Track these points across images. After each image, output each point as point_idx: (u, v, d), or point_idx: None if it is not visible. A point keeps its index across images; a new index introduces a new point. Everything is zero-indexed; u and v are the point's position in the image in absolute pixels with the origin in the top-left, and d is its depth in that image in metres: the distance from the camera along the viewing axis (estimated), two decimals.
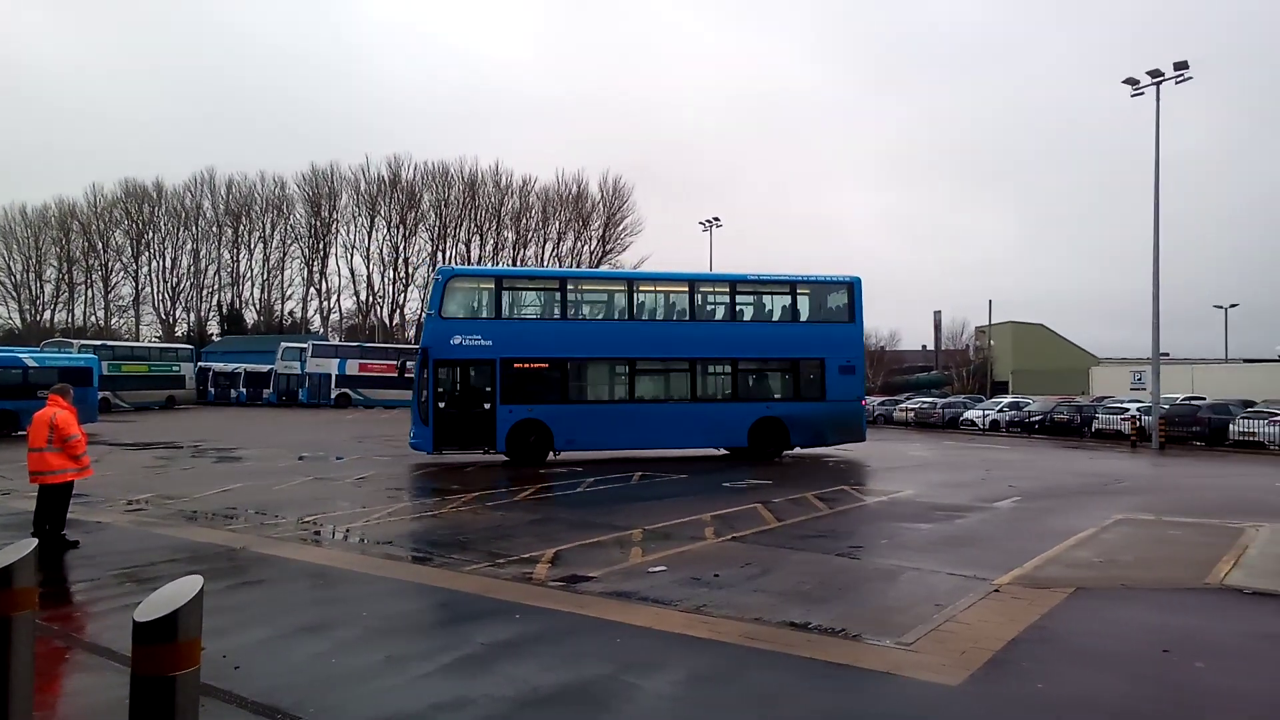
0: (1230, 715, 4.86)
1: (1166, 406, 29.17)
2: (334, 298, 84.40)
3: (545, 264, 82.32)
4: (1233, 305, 59.76)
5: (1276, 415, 27.16)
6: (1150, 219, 28.00)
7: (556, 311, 20.77)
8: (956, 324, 78.16)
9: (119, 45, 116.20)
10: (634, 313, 21.10)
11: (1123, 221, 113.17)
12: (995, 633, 6.22)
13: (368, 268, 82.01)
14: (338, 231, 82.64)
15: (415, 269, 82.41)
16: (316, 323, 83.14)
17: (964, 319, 77.79)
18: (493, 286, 20.80)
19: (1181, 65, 26.80)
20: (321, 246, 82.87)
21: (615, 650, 5.86)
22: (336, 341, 66.82)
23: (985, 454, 24.06)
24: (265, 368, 54.15)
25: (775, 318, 21.93)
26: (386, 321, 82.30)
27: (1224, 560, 8.61)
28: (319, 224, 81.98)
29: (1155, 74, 27.21)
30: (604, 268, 78.36)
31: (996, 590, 7.54)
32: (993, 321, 64.99)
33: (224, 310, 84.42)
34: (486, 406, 19.54)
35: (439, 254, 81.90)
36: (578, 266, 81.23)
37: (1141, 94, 27.66)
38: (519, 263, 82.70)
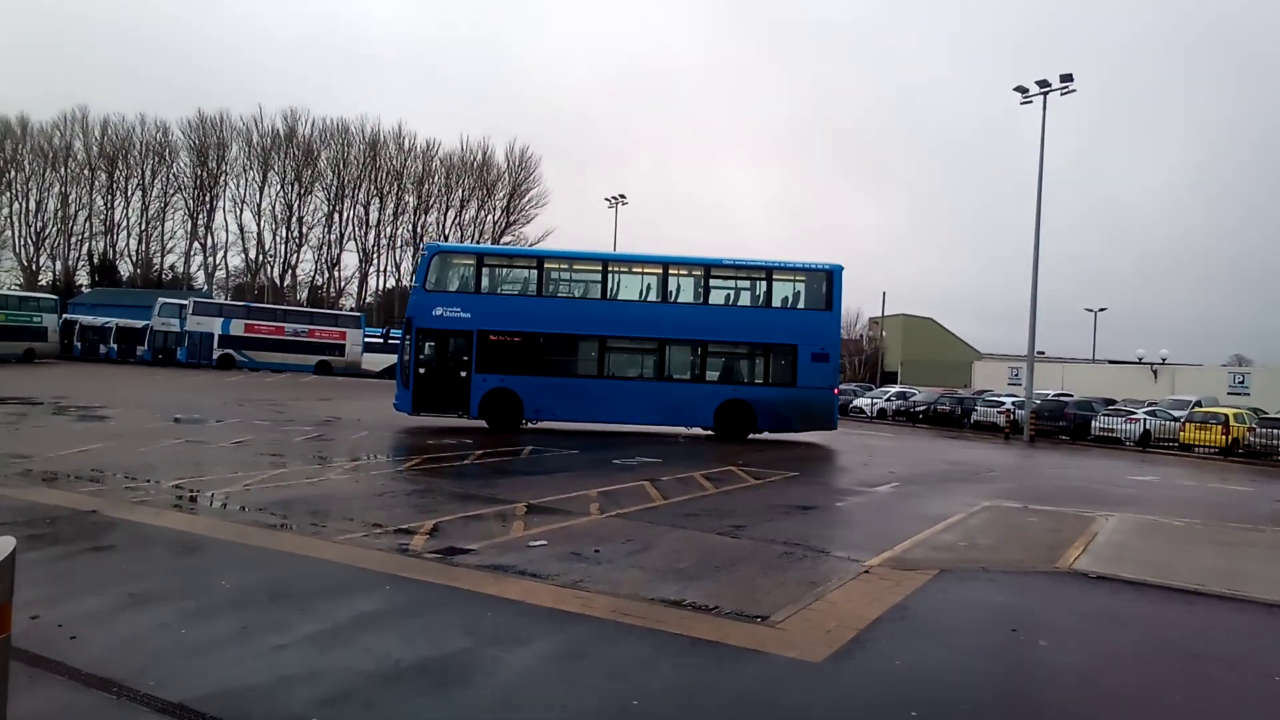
0: (1059, 688, 5.13)
1: (1039, 402, 30.87)
2: (220, 254, 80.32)
3: (447, 230, 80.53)
4: (1101, 309, 63.64)
5: (1134, 414, 29.15)
6: (1032, 222, 29.45)
7: (532, 289, 21.76)
8: (850, 313, 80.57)
9: None
10: (606, 292, 21.79)
11: (1007, 224, 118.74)
12: (860, 612, 6.41)
13: (258, 224, 78.37)
14: (226, 184, 78.48)
15: (310, 229, 79.30)
16: (200, 279, 78.95)
17: (858, 309, 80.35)
18: (474, 262, 22.02)
19: (1067, 77, 28.19)
20: (208, 199, 78.60)
21: (483, 624, 5.75)
22: (222, 300, 63.58)
23: (870, 441, 24.92)
24: (140, 323, 50.95)
25: (749, 302, 22.05)
26: (277, 281, 78.92)
27: (1075, 546, 9.14)
28: (205, 175, 77.56)
29: (1043, 83, 28.54)
30: (506, 239, 77.31)
31: (866, 571, 7.78)
32: (885, 313, 67.36)
33: (95, 260, 79.05)
34: (463, 374, 20.93)
35: (336, 214, 79.06)
36: (480, 236, 79.85)
37: (1030, 102, 28.95)
38: (419, 228, 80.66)
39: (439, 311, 20.98)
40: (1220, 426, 26.31)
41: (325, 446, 16.00)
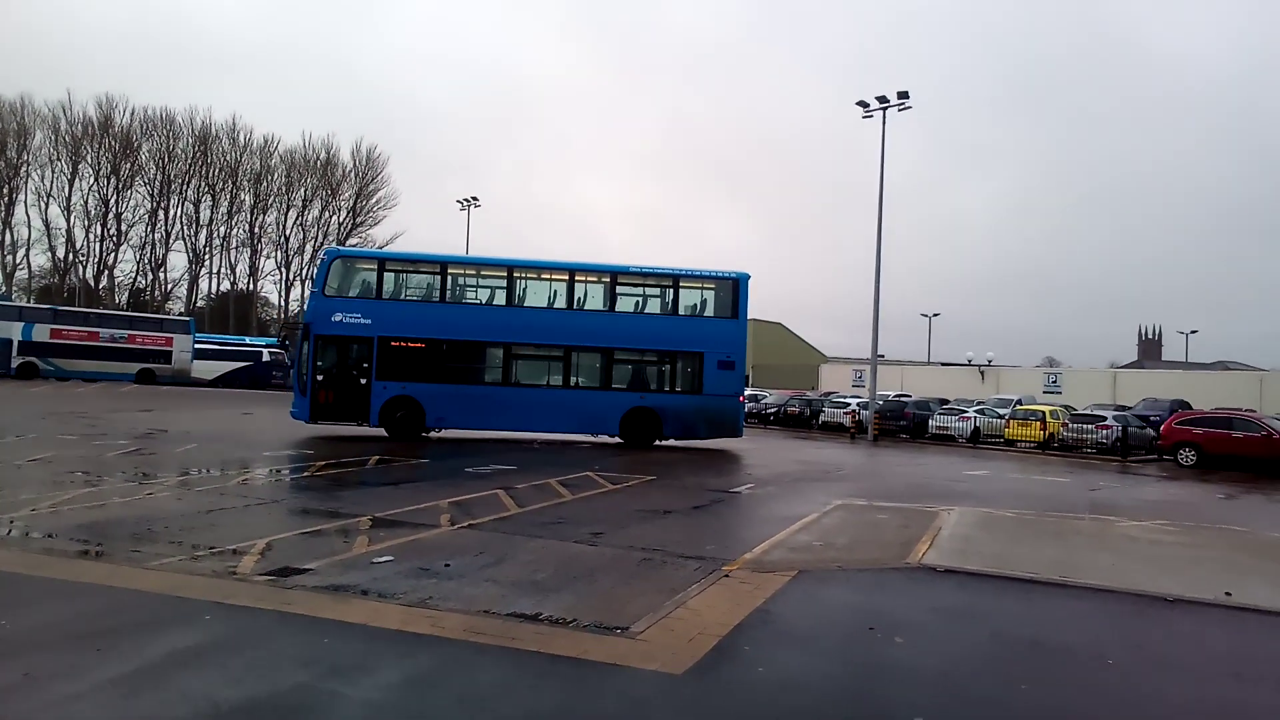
0: (917, 686, 5.15)
1: (881, 403, 32.42)
2: (21, 252, 72.49)
3: (288, 231, 76.33)
4: (935, 315, 67.89)
5: (966, 412, 31.10)
6: (874, 233, 30.92)
7: (436, 294, 21.39)
8: None
9: None
10: (511, 298, 21.46)
11: (852, 235, 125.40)
12: (722, 618, 6.27)
13: (68, 221, 71.11)
14: (29, 175, 70.83)
15: (130, 226, 72.85)
16: None
17: None
18: (375, 267, 21.77)
19: (904, 95, 29.83)
20: (7, 192, 70.69)
21: (320, 653, 5.19)
22: (22, 303, 57.43)
23: (725, 443, 25.30)
24: None
25: (656, 310, 21.81)
26: (92, 283, 72.16)
27: (922, 541, 9.44)
28: (4, 165, 69.77)
29: (882, 99, 30.05)
30: (352, 242, 74.04)
31: (727, 575, 7.69)
32: None
33: None
34: (363, 382, 20.46)
35: (161, 211, 73.06)
36: (324, 237, 76.16)
37: (871, 116, 30.42)
38: (257, 228, 75.98)
39: (338, 317, 20.50)
40: (1038, 423, 28.47)
41: (144, 462, 14.53)
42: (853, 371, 51.97)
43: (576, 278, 21.85)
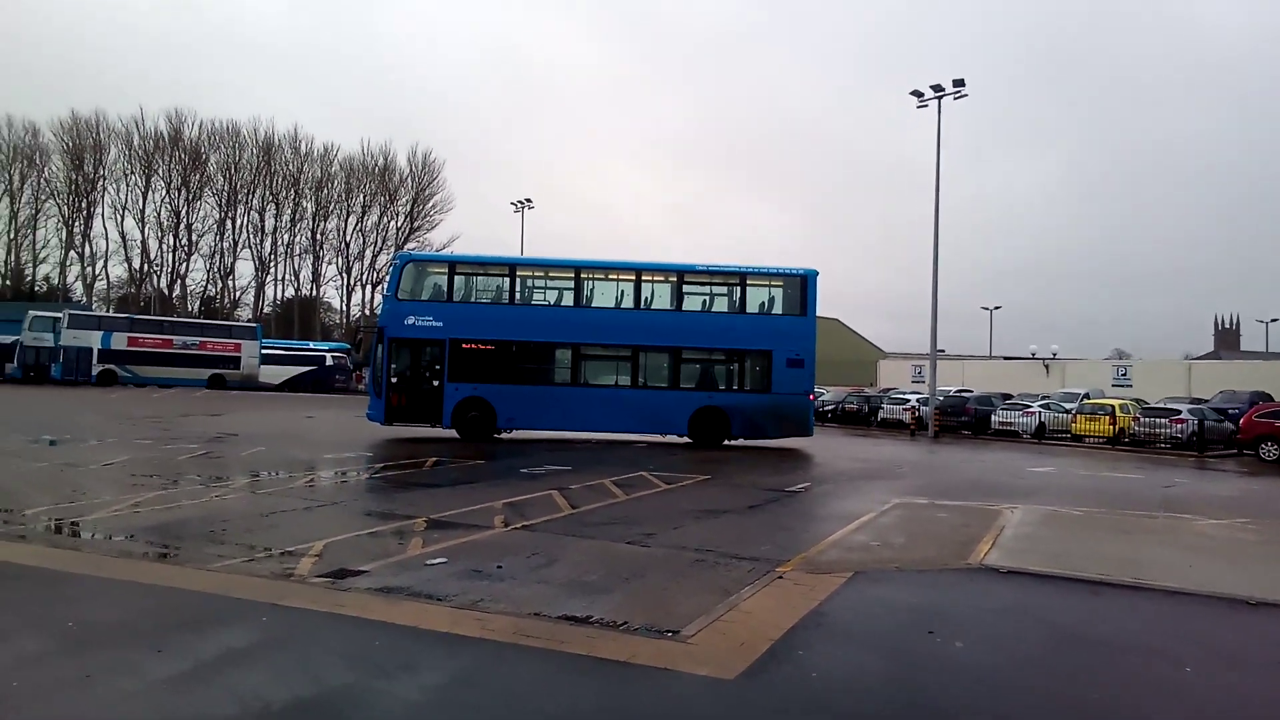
0: (978, 691, 4.96)
1: (941, 399, 31.72)
2: (100, 264, 75.58)
3: (348, 238, 78.06)
4: (997, 307, 66.37)
5: (1030, 407, 30.24)
6: (927, 221, 30.25)
7: (505, 296, 21.66)
8: None
9: None
10: (578, 299, 21.59)
11: (909, 226, 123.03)
12: (775, 621, 6.14)
13: (143, 232, 73.99)
14: (105, 189, 73.83)
15: (200, 236, 75.43)
16: (79, 291, 74.17)
17: None
18: (445, 271, 22.08)
19: (959, 82, 29.11)
20: (85, 205, 73.77)
21: (368, 654, 5.22)
22: (102, 312, 59.85)
23: (782, 441, 25.01)
24: (9, 339, 47.42)
25: (722, 308, 21.74)
26: (165, 292, 74.86)
27: (984, 541, 9.15)
28: (81, 179, 72.73)
29: (937, 88, 29.37)
30: (411, 245, 75.36)
31: (780, 576, 7.55)
32: None
33: None
34: (435, 384, 20.72)
35: (228, 221, 75.46)
36: (383, 242, 77.72)
37: (925, 105, 29.76)
38: (319, 235, 77.87)
39: (411, 320, 20.80)
40: (1107, 417, 27.52)
41: (212, 465, 14.95)
42: (912, 367, 50.97)
43: (643, 277, 21.84)
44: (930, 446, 25.77)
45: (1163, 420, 26.30)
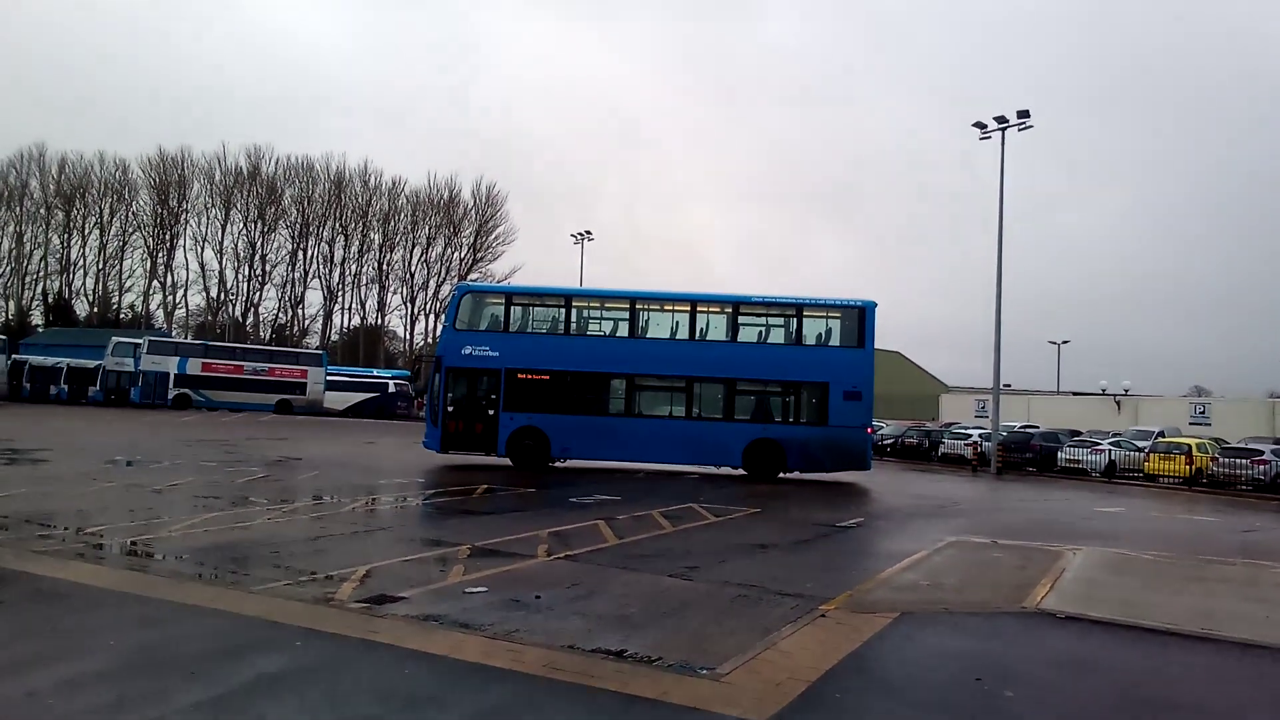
0: None
1: (1005, 434, 30.78)
2: (181, 292, 78.75)
3: (413, 268, 79.80)
4: (1065, 341, 64.32)
5: (1099, 445, 29.12)
6: (992, 254, 29.57)
7: (560, 327, 21.74)
8: None
9: None
10: (633, 330, 21.66)
11: (972, 259, 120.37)
12: (814, 662, 5.93)
13: (220, 263, 76.98)
14: (187, 222, 77.14)
15: (273, 266, 78.05)
16: (160, 318, 77.30)
17: None
18: (502, 301, 22.55)
19: (1024, 114, 28.53)
20: (168, 237, 77.15)
21: (397, 684, 5.19)
22: (180, 339, 62.21)
23: (836, 475, 24.52)
24: (93, 363, 49.51)
25: (778, 340, 21.56)
26: (240, 320, 77.51)
27: (1041, 584, 8.75)
28: (166, 213, 76.20)
29: (1001, 120, 28.83)
30: (473, 276, 76.68)
31: (823, 615, 7.32)
32: None
33: (50, 300, 77.11)
34: (491, 413, 20.89)
35: (300, 252, 77.95)
36: (447, 273, 79.23)
37: (989, 137, 29.23)
38: (385, 265, 79.82)
39: (468, 350, 21.11)
40: (1183, 456, 26.29)
41: (270, 488, 15.27)
42: (975, 401, 49.64)
43: (698, 308, 21.69)
44: (992, 484, 24.96)
45: (1243, 460, 25.01)
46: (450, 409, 20.96)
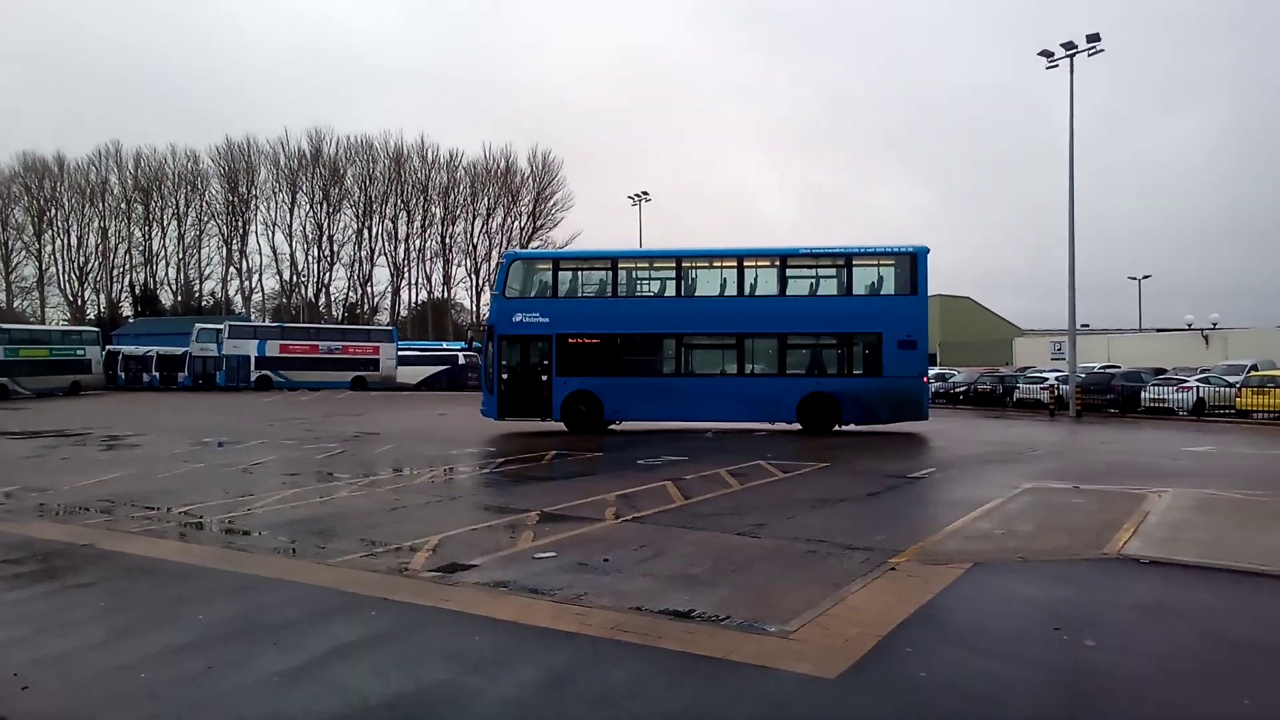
0: (1110, 696, 4.55)
1: (1084, 376, 29.74)
2: (255, 277, 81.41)
3: (475, 240, 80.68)
4: (1145, 277, 61.60)
5: (1186, 382, 27.91)
6: (1063, 189, 28.34)
7: (608, 290, 21.76)
8: None
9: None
10: (681, 289, 21.55)
11: (1041, 195, 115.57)
12: (884, 616, 5.85)
13: (290, 245, 79.21)
14: (257, 208, 79.48)
15: (340, 246, 79.91)
16: (239, 303, 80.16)
17: None
18: (550, 267, 22.50)
19: (1094, 37, 27.00)
20: (240, 224, 79.67)
21: (468, 649, 5.31)
22: (258, 322, 64.36)
23: (908, 425, 24.10)
24: (180, 350, 51.70)
25: (830, 291, 21.23)
26: (312, 300, 79.74)
27: (1124, 528, 8.45)
28: (236, 200, 78.62)
29: (1069, 46, 27.36)
30: (534, 244, 77.14)
31: (893, 568, 7.21)
32: None
33: (137, 291, 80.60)
34: (544, 378, 21.16)
35: (364, 231, 79.54)
36: (507, 243, 79.82)
37: (1056, 65, 27.84)
38: (447, 239, 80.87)
39: (519, 318, 21.27)
40: (1278, 390, 25.01)
41: (346, 463, 15.76)
42: (1050, 344, 48.09)
43: (745, 263, 21.41)
44: (1070, 427, 24.17)
45: None
46: (504, 376, 21.24)
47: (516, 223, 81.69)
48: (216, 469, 14.91)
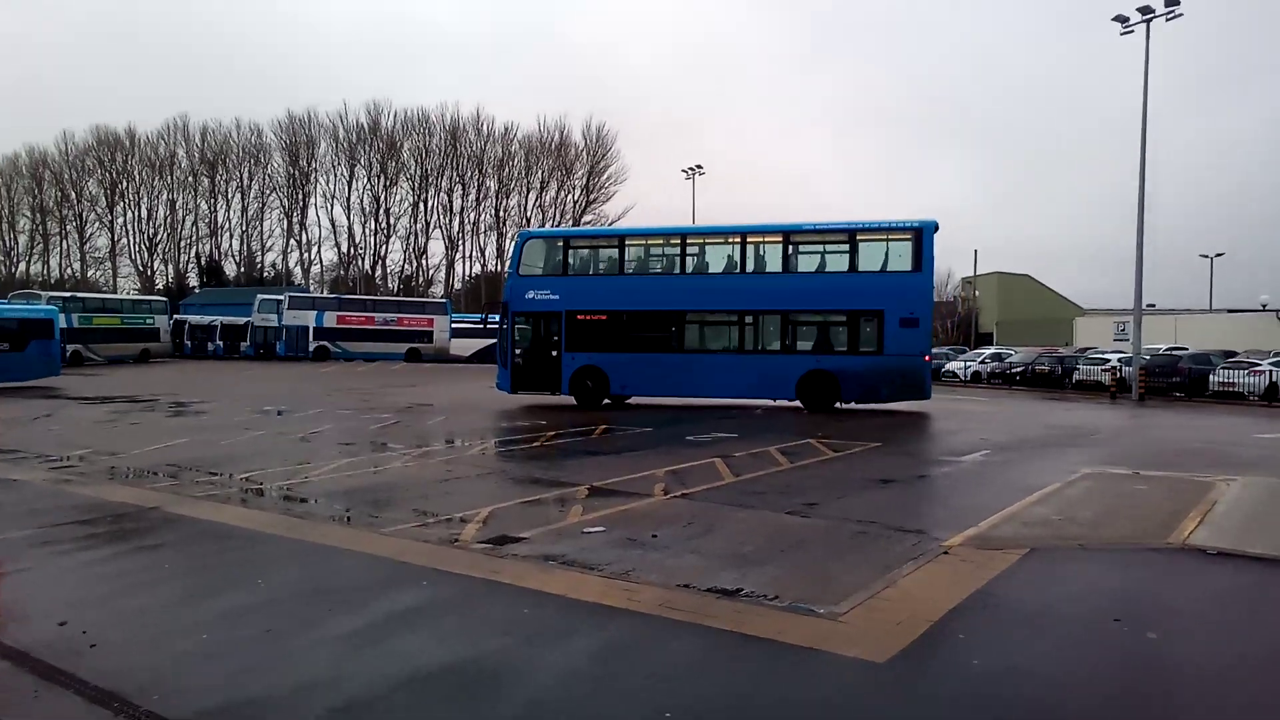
0: (1173, 691, 4.42)
1: (1148, 357, 28.81)
2: (314, 249, 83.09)
3: (528, 214, 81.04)
4: (1218, 255, 59.35)
5: (1258, 365, 26.84)
6: (1133, 164, 27.31)
7: (615, 267, 22.26)
8: (941, 274, 77.61)
9: None
10: (684, 266, 21.89)
11: (1106, 167, 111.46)
12: (937, 600, 5.76)
13: (348, 218, 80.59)
14: (317, 181, 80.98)
15: (397, 219, 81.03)
16: (298, 274, 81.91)
17: (948, 269, 77.30)
18: (560, 245, 22.85)
19: (1173, 0, 25.84)
20: (301, 196, 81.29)
21: (518, 621, 5.37)
22: (316, 293, 65.72)
23: (962, 406, 23.66)
24: (243, 320, 53.11)
25: (831, 267, 21.12)
26: (369, 273, 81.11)
27: (1190, 517, 8.18)
28: (297, 173, 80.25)
29: (1145, 10, 26.22)
30: (587, 219, 77.24)
31: (946, 552, 7.09)
32: (977, 272, 64.42)
33: (203, 262, 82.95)
34: (554, 354, 21.69)
35: (420, 204, 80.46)
36: (561, 216, 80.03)
37: (1131, 31, 26.72)
38: (502, 212, 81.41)
39: (531, 295, 21.81)
40: None
41: (399, 433, 16.05)
42: (1114, 324, 46.61)
43: (749, 239, 21.48)
44: (1133, 411, 23.47)
45: None
46: (517, 351, 21.90)
47: (570, 196, 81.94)
48: (276, 437, 15.31)
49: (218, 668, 4.63)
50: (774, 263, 21.32)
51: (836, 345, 20.87)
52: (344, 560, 6.85)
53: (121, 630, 5.23)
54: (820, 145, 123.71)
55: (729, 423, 17.54)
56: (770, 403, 21.31)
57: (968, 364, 37.32)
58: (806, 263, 21.47)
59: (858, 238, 20.68)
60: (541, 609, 5.62)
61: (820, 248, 21.40)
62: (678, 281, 21.62)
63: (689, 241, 22.19)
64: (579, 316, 21.62)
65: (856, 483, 10.78)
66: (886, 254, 20.70)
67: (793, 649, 4.92)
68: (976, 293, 65.17)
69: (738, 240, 21.64)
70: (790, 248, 21.23)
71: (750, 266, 21.31)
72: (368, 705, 4.18)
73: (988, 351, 39.44)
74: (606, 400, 21.75)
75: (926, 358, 20.70)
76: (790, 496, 9.71)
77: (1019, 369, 33.83)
